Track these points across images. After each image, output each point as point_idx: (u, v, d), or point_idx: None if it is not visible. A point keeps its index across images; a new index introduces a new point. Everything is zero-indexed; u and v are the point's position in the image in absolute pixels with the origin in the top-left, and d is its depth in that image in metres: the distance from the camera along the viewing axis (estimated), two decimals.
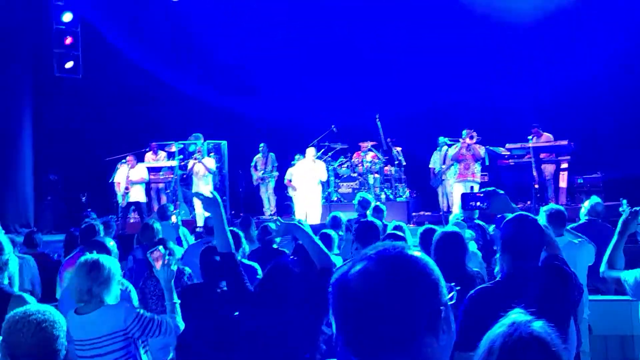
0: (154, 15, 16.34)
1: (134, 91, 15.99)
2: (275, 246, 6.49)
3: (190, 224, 11.33)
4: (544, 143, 12.15)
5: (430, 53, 15.04)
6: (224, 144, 14.76)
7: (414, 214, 13.19)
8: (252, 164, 14.69)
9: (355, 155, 14.28)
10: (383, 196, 13.33)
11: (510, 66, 14.88)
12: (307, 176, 12.61)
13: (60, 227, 13.92)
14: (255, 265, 5.26)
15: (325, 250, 3.81)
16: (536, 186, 11.27)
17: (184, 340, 4.22)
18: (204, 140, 14.12)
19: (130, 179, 12.76)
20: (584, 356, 5.04)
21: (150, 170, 13.54)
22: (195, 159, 13.22)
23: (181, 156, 13.99)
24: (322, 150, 14.32)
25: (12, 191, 14.40)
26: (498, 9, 14.17)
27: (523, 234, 3.25)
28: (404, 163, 13.98)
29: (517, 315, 1.61)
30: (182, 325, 3.98)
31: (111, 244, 4.92)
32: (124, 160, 13.04)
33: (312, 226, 8.15)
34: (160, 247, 4.22)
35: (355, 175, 13.87)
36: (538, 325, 1.57)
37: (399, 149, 14.11)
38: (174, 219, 9.39)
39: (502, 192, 3.70)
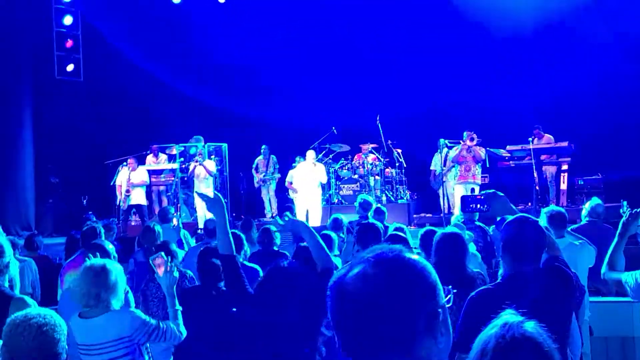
0: (155, 17, 16.37)
1: (134, 94, 16.01)
2: (275, 248, 6.49)
3: (191, 227, 11.33)
4: (545, 145, 12.16)
5: (431, 55, 15.05)
6: (224, 146, 14.76)
7: (414, 215, 13.19)
8: (253, 166, 14.69)
9: (356, 157, 14.29)
10: (384, 198, 13.34)
11: (510, 68, 14.88)
12: (308, 178, 12.63)
13: (61, 230, 13.96)
14: (257, 267, 5.27)
15: (328, 252, 3.81)
16: (537, 188, 11.27)
17: (184, 342, 4.21)
18: (204, 142, 14.12)
19: (131, 181, 12.76)
20: (585, 358, 5.03)
21: (151, 172, 13.57)
22: (196, 161, 13.21)
23: (182, 159, 13.98)
24: (323, 152, 14.33)
25: (13, 194, 14.42)
26: (498, 10, 14.16)
27: (523, 235, 3.25)
28: (405, 165, 13.99)
29: (509, 316, 1.61)
30: (184, 332, 3.98)
31: (110, 247, 4.93)
32: (125, 163, 13.05)
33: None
34: (162, 254, 4.21)
35: (356, 177, 13.88)
36: (530, 325, 1.58)
37: (399, 150, 14.12)
38: (175, 221, 9.38)
39: (502, 194, 3.70)
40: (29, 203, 14.77)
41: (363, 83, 15.71)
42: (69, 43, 15.59)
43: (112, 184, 13.22)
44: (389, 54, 15.60)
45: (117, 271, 3.77)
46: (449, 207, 12.47)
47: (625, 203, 6.70)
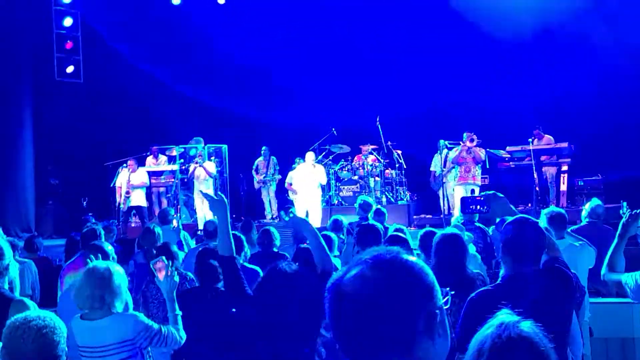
0: (154, 18, 16.37)
1: (134, 95, 16.02)
2: (275, 250, 6.50)
3: (191, 228, 11.33)
4: (545, 145, 12.17)
5: (431, 56, 15.05)
6: (224, 147, 14.76)
7: (414, 216, 13.19)
8: (254, 167, 14.67)
9: (356, 158, 14.29)
10: (384, 199, 13.34)
11: (510, 69, 14.88)
12: (307, 180, 12.64)
13: (61, 232, 13.96)
14: (257, 268, 5.27)
15: (328, 253, 3.81)
16: (537, 189, 11.27)
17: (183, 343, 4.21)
18: (204, 144, 14.12)
19: (131, 183, 12.77)
20: (585, 359, 5.03)
21: (151, 174, 13.57)
22: (196, 162, 13.22)
23: (182, 160, 13.99)
24: (323, 153, 14.34)
25: (13, 195, 14.42)
26: (498, 11, 14.16)
27: (523, 237, 3.25)
28: (405, 166, 14.00)
29: (505, 316, 1.62)
30: (184, 337, 3.97)
31: (109, 248, 4.92)
32: (125, 165, 13.05)
33: None
34: (163, 258, 4.20)
35: (356, 178, 13.88)
36: (526, 325, 1.58)
37: (399, 152, 14.13)
38: (174, 223, 9.39)
39: (501, 195, 3.71)
40: (28, 204, 14.76)
41: (363, 84, 15.71)
42: (69, 44, 15.59)
43: (112, 185, 13.22)
44: (389, 55, 15.60)
45: (120, 273, 3.77)
46: (449, 208, 12.47)
47: (625, 204, 6.70)
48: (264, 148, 14.61)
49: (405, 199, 13.71)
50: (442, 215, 12.06)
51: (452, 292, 1.50)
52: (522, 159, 12.03)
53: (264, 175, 14.48)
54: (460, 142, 11.83)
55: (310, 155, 12.87)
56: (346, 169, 14.13)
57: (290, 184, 13.34)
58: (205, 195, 3.88)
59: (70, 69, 15.64)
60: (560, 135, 12.35)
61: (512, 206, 3.36)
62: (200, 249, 5.32)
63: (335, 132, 14.51)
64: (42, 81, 15.21)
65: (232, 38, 16.29)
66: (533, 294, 3.01)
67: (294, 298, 3.32)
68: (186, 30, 16.64)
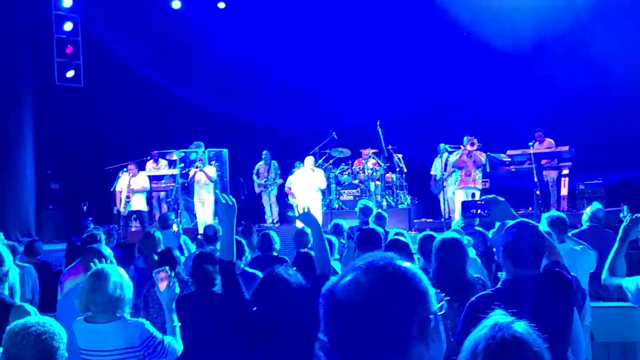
0: (155, 23, 16.41)
1: (134, 99, 16.05)
2: (275, 254, 6.49)
3: (191, 232, 11.32)
4: (545, 149, 12.17)
5: (431, 59, 15.06)
6: (225, 151, 14.77)
7: (415, 220, 13.19)
8: (254, 171, 14.64)
9: (356, 162, 14.29)
10: (384, 203, 13.33)
11: (511, 73, 14.87)
12: (306, 184, 12.64)
13: (61, 236, 13.95)
14: (258, 273, 5.26)
15: (329, 256, 3.81)
16: (537, 192, 11.27)
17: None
18: (204, 148, 14.12)
19: (131, 187, 12.75)
20: None
21: (152, 178, 13.56)
22: (197, 167, 13.21)
23: (182, 164, 13.98)
24: (324, 157, 14.34)
25: (14, 199, 14.42)
26: (499, 16, 14.17)
27: (523, 240, 3.25)
28: (405, 170, 13.99)
29: (499, 316, 1.61)
30: (181, 348, 3.94)
31: (107, 251, 4.91)
32: (125, 169, 13.04)
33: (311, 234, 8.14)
34: (167, 268, 4.17)
35: (357, 182, 13.88)
36: (520, 326, 1.58)
37: (399, 155, 14.12)
38: (175, 227, 9.39)
39: (502, 199, 3.70)
40: (29, 209, 14.76)
41: (364, 88, 15.74)
42: (69, 49, 15.59)
43: (112, 190, 13.21)
44: (390, 59, 15.63)
45: (127, 278, 3.76)
46: (450, 212, 12.47)
47: (625, 207, 6.70)
48: (265, 152, 14.59)
49: (405, 203, 13.70)
50: (442, 219, 12.08)
51: (448, 298, 1.50)
52: (522, 162, 12.04)
53: (265, 179, 14.47)
54: (461, 146, 11.84)
55: (309, 160, 12.87)
56: (347, 173, 14.13)
57: (290, 189, 13.34)
58: (219, 196, 3.87)
59: (70, 74, 15.64)
60: (560, 139, 12.34)
61: (512, 210, 3.34)
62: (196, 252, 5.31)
63: (335, 135, 14.51)
64: (42, 86, 15.21)
65: (232, 42, 16.32)
66: (533, 298, 3.00)
67: (290, 302, 3.32)
68: (186, 34, 16.67)
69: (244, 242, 5.67)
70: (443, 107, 15.40)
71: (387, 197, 13.70)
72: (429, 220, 13.27)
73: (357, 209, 9.36)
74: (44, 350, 2.49)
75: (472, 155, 11.63)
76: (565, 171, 12.25)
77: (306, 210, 3.97)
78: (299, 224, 10.91)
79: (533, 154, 11.54)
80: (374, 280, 1.42)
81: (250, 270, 5.35)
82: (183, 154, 14.18)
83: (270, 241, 6.47)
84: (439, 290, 3.50)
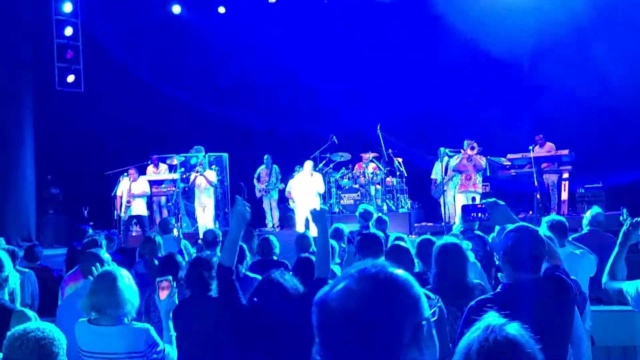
0: (155, 28, 16.44)
1: (135, 104, 16.05)
2: (275, 258, 6.49)
3: (192, 237, 11.32)
4: (545, 153, 12.17)
5: (432, 64, 15.06)
6: (225, 156, 14.77)
7: (415, 224, 13.17)
8: (255, 175, 14.61)
9: (356, 166, 14.30)
10: (385, 207, 13.32)
11: (511, 76, 14.89)
12: (305, 189, 12.66)
13: (61, 241, 13.95)
14: (258, 277, 5.26)
15: (330, 259, 3.81)
16: (538, 196, 11.27)
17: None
18: (205, 152, 14.13)
19: (132, 192, 12.76)
20: None
21: (152, 183, 13.56)
22: (197, 171, 13.22)
23: (183, 169, 13.99)
24: (324, 161, 14.33)
25: (14, 204, 14.42)
26: (499, 20, 14.18)
27: (523, 244, 3.24)
28: (405, 174, 13.99)
29: (492, 318, 1.61)
30: (175, 357, 3.93)
31: (106, 255, 4.91)
32: (125, 174, 13.05)
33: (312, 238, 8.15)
34: (170, 278, 4.16)
35: (357, 186, 13.88)
36: (513, 327, 1.57)
37: (400, 159, 14.13)
38: (175, 232, 9.39)
39: (502, 203, 3.70)
40: (29, 213, 14.77)
41: (364, 92, 15.76)
42: (70, 54, 15.62)
43: (113, 194, 13.22)
44: (390, 63, 15.66)
45: (133, 282, 3.76)
46: (450, 216, 12.46)
47: (625, 210, 6.70)
48: (266, 156, 14.56)
49: (406, 207, 13.70)
50: (443, 223, 12.06)
51: (440, 304, 1.51)
52: (522, 166, 12.03)
53: (266, 184, 14.44)
54: (461, 150, 11.84)
55: (308, 164, 12.88)
56: (347, 177, 14.13)
57: (290, 193, 13.34)
58: (239, 200, 3.88)
59: (70, 79, 15.67)
60: (561, 142, 12.34)
61: (512, 214, 3.34)
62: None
63: (336, 140, 14.50)
64: (42, 90, 15.22)
65: (232, 47, 16.35)
66: (533, 302, 3.00)
67: (286, 307, 3.32)
68: (186, 38, 16.70)
69: (245, 247, 5.67)
70: (443, 111, 15.39)
71: (387, 201, 13.70)
72: (429, 224, 13.25)
73: (357, 213, 9.36)
74: (43, 355, 2.50)
75: (473, 159, 11.63)
76: (566, 175, 12.25)
77: (319, 209, 3.96)
78: (299, 229, 10.94)
79: (533, 157, 11.54)
80: (366, 288, 1.43)
81: (251, 275, 5.36)
82: (183, 159, 14.19)
83: (270, 246, 6.48)
84: (439, 296, 3.49)
